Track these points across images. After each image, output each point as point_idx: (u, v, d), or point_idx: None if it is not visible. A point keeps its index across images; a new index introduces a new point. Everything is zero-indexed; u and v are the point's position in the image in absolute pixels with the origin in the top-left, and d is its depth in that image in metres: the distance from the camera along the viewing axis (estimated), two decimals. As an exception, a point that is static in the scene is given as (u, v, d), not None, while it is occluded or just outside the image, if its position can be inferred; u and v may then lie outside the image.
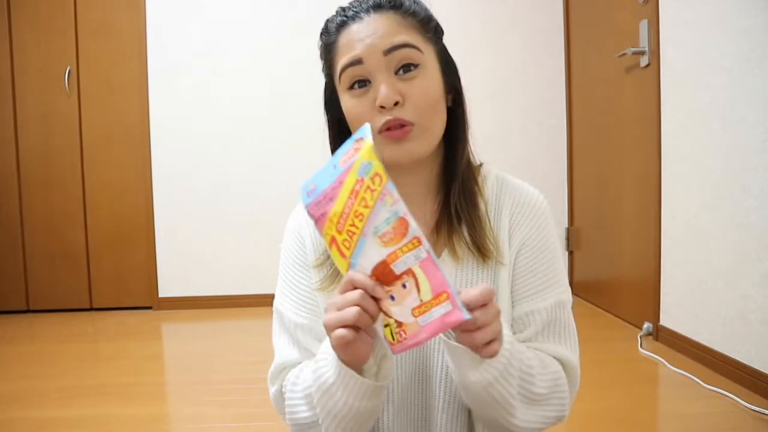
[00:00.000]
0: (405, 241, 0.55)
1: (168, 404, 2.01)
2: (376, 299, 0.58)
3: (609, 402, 1.83)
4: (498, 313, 0.60)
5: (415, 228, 0.55)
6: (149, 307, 3.36)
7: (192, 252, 3.33)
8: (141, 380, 2.18)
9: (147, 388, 2.10)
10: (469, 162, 0.79)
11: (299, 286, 0.80)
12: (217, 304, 3.31)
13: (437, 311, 0.55)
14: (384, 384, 0.66)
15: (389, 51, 0.70)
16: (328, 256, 0.77)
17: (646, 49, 2.43)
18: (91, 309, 3.35)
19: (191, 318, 3.16)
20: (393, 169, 0.76)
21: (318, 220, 0.59)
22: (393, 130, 0.70)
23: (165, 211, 3.32)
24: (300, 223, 0.83)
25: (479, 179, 0.80)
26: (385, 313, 0.58)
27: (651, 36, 2.40)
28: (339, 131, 0.80)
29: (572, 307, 0.81)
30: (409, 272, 0.56)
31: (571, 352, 0.77)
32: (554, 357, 0.75)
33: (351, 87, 0.72)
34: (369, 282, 0.57)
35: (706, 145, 2.07)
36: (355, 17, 0.73)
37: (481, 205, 0.78)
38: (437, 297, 0.55)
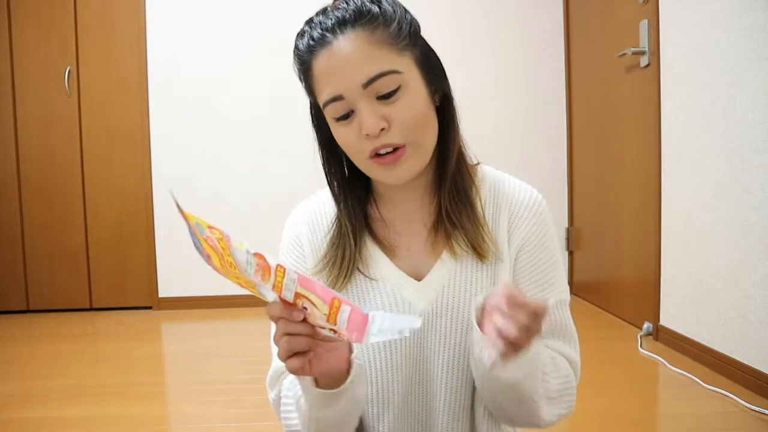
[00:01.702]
0: (272, 273, 0.54)
1: (168, 404, 2.01)
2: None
3: (609, 402, 1.83)
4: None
5: (271, 260, 0.55)
6: (149, 307, 3.36)
7: (192, 252, 3.31)
8: (141, 380, 2.18)
9: (147, 388, 2.10)
10: (460, 162, 0.78)
11: None
12: (217, 304, 3.31)
13: (343, 316, 0.56)
14: (337, 392, 0.65)
15: (367, 84, 0.67)
16: (327, 262, 0.77)
17: (646, 49, 2.43)
18: (90, 309, 3.35)
19: (191, 318, 3.16)
20: (390, 185, 0.77)
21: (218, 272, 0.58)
22: (384, 156, 0.69)
23: (165, 212, 3.32)
24: (298, 228, 0.82)
25: (476, 179, 0.79)
26: (318, 326, 0.58)
27: (651, 36, 2.40)
28: (331, 150, 0.79)
29: (572, 307, 0.81)
30: (298, 295, 0.56)
31: (573, 350, 0.78)
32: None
33: (335, 118, 0.71)
34: (283, 310, 0.57)
35: (706, 145, 2.07)
36: (323, 41, 0.68)
37: (477, 204, 0.77)
38: (332, 305, 0.55)
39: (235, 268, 0.55)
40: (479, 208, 0.77)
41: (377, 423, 0.78)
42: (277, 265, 0.54)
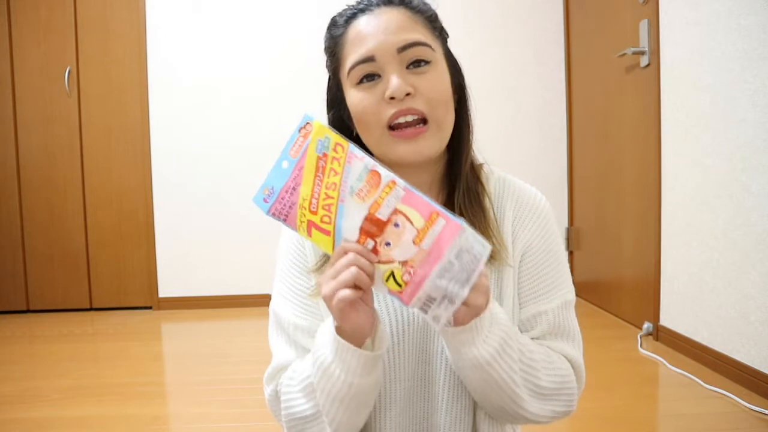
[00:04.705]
0: (381, 188, 0.58)
1: (168, 404, 2.01)
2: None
3: (609, 402, 1.83)
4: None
5: (386, 173, 0.58)
6: (149, 307, 3.36)
7: (192, 252, 3.33)
8: (141, 380, 2.18)
9: (147, 388, 2.10)
10: (472, 163, 0.79)
11: (300, 289, 0.79)
12: (217, 304, 3.31)
13: (434, 230, 0.57)
14: (379, 354, 0.66)
15: (403, 48, 0.69)
16: (326, 261, 0.76)
17: (646, 49, 2.43)
18: (90, 309, 3.35)
19: (191, 318, 3.16)
20: (397, 168, 0.75)
21: (287, 216, 0.61)
22: (404, 129, 0.69)
23: (165, 211, 3.32)
24: None
25: (482, 179, 0.80)
26: (387, 263, 0.59)
27: (651, 36, 2.40)
28: (341, 131, 0.78)
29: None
30: (396, 211, 0.58)
31: (577, 351, 0.78)
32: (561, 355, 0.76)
33: (359, 82, 0.71)
34: (360, 247, 0.59)
35: (706, 145, 2.07)
36: (365, 9, 0.72)
37: (487, 206, 0.78)
38: (429, 219, 0.58)
39: (332, 191, 0.59)
40: (489, 209, 0.78)
41: (379, 422, 0.77)
42: (390, 180, 0.58)
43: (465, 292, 0.59)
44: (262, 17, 3.29)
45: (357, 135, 0.76)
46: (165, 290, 3.35)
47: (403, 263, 0.59)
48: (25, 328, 3.06)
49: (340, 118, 0.79)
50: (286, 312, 0.79)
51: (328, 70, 0.78)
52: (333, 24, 0.75)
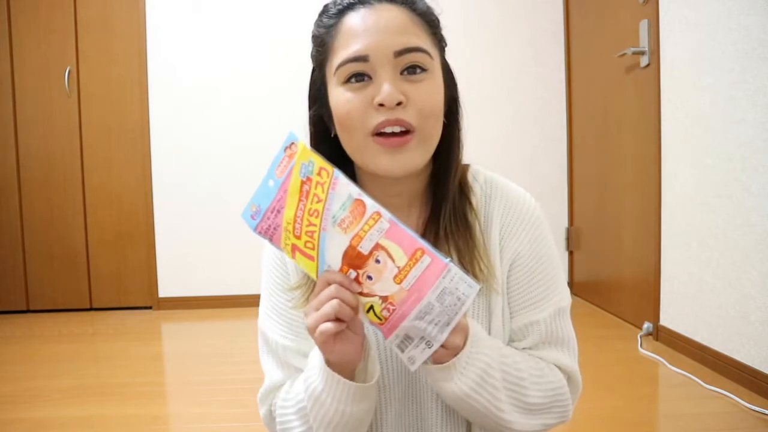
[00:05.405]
0: (365, 219, 0.56)
1: (168, 404, 2.01)
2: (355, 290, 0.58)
3: (609, 402, 1.83)
4: None
5: (371, 204, 0.56)
6: (149, 307, 3.36)
7: (192, 252, 3.33)
8: (141, 380, 2.18)
9: (147, 388, 2.10)
10: (461, 180, 0.75)
11: (285, 308, 0.77)
12: (217, 304, 3.31)
13: (418, 269, 0.56)
14: (371, 384, 0.65)
15: (401, 53, 0.64)
16: (309, 280, 0.73)
17: (646, 49, 2.43)
18: (90, 309, 3.35)
19: (191, 318, 3.16)
20: (378, 179, 0.70)
21: (272, 236, 0.60)
22: (389, 137, 0.64)
23: (165, 211, 3.32)
24: None
25: (468, 177, 0.76)
26: (368, 296, 0.58)
27: (651, 36, 2.40)
28: (320, 130, 0.73)
29: (572, 308, 0.79)
30: (378, 246, 0.56)
31: (571, 359, 0.75)
32: (554, 364, 0.74)
33: (347, 80, 0.66)
34: (344, 278, 0.57)
35: (706, 145, 2.07)
36: (364, 2, 0.66)
37: (475, 226, 0.73)
38: (413, 257, 0.56)
39: (315, 217, 0.57)
40: (477, 229, 0.73)
41: None
42: (375, 212, 0.56)
43: (443, 337, 0.57)
44: (262, 17, 3.29)
45: (335, 136, 0.71)
46: (165, 290, 3.35)
47: (384, 299, 0.57)
48: (25, 328, 3.06)
49: (320, 117, 0.73)
50: (273, 333, 0.77)
51: (313, 61, 0.72)
52: (325, 11, 0.69)
